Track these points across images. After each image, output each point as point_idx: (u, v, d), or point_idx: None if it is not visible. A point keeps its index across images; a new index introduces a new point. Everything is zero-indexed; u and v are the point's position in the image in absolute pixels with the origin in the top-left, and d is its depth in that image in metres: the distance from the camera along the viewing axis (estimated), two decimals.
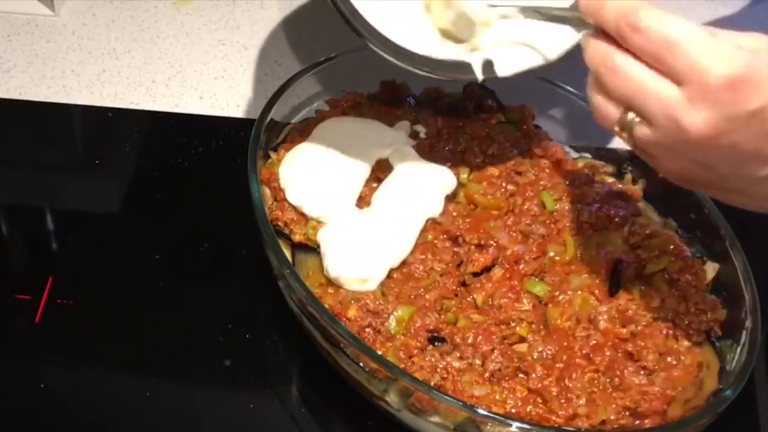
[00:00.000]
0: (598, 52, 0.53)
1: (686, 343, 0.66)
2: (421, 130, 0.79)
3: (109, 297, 0.76)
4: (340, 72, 0.80)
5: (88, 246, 0.81)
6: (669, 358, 0.65)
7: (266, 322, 0.75)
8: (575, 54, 0.96)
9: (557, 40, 0.68)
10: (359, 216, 0.72)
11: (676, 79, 0.50)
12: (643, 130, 0.53)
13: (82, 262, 0.79)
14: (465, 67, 0.67)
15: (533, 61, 0.68)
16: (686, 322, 0.67)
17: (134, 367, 0.72)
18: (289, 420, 0.71)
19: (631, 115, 0.53)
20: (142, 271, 0.78)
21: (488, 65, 0.68)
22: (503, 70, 0.67)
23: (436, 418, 0.62)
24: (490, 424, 0.59)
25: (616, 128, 0.55)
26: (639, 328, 0.66)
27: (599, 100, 0.55)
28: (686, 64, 0.50)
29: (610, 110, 0.54)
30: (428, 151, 0.76)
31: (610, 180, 0.78)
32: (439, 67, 0.67)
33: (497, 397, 0.62)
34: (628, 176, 0.78)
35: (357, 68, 0.80)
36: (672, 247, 0.70)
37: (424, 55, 0.66)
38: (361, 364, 0.63)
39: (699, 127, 0.50)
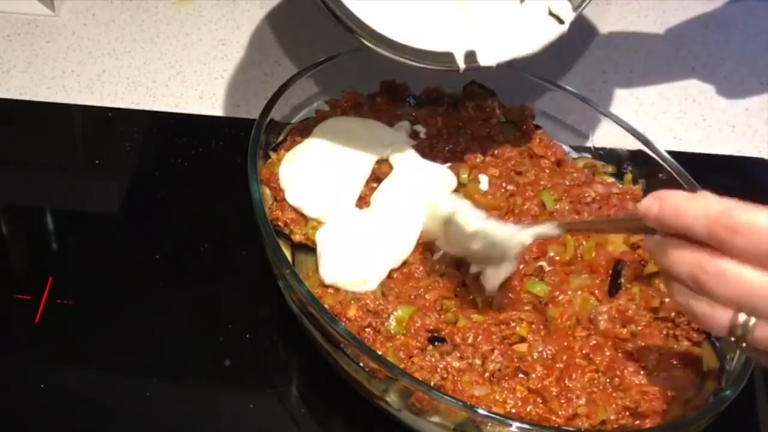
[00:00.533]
0: (690, 260, 0.50)
1: (686, 343, 0.66)
2: (421, 130, 0.79)
3: (109, 297, 0.76)
4: (340, 72, 0.80)
5: (88, 246, 0.81)
6: (669, 358, 0.65)
7: (266, 322, 0.75)
8: (574, 53, 0.97)
9: (540, 32, 0.68)
10: (359, 216, 0.72)
11: None
12: (762, 330, 0.49)
13: (82, 262, 0.79)
14: (447, 56, 0.68)
15: (515, 51, 0.68)
16: (686, 322, 0.66)
17: (134, 367, 0.72)
18: (289, 420, 0.71)
19: (743, 317, 0.49)
20: (142, 271, 0.78)
21: (470, 55, 0.69)
22: (485, 59, 0.68)
23: (436, 418, 0.62)
24: (490, 424, 0.59)
25: (728, 334, 0.50)
26: (639, 328, 0.66)
27: (704, 308, 0.50)
28: None
29: (718, 316, 0.50)
30: (428, 151, 0.76)
31: (610, 180, 0.78)
32: (421, 55, 0.68)
33: (497, 397, 0.62)
34: (628, 176, 0.78)
35: (357, 68, 0.80)
36: None
37: (406, 43, 0.67)
38: (361, 364, 0.63)
39: None
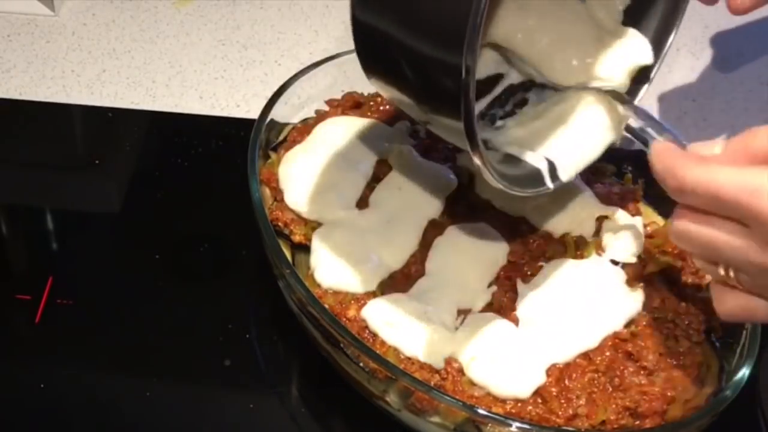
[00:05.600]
0: (678, 227, 0.51)
1: (686, 343, 0.66)
2: (421, 130, 0.79)
3: (109, 297, 0.76)
4: (340, 72, 0.80)
5: (88, 246, 0.81)
6: (669, 358, 0.65)
7: (266, 322, 0.75)
8: None
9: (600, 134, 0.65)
10: (359, 217, 0.72)
11: (742, 222, 0.47)
12: (741, 277, 0.50)
13: (82, 262, 0.79)
14: (537, 178, 0.61)
15: (586, 159, 0.64)
16: (686, 322, 0.66)
17: (134, 367, 0.72)
18: (289, 420, 0.71)
19: (722, 270, 0.50)
20: (142, 271, 0.78)
21: (552, 170, 0.62)
22: (564, 174, 0.62)
23: (436, 418, 0.62)
24: (490, 424, 0.59)
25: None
26: (639, 328, 0.66)
27: (699, 263, 0.53)
28: (743, 214, 0.47)
29: (709, 268, 0.52)
30: (428, 151, 0.76)
31: (610, 180, 0.78)
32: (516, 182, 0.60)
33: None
34: (628, 176, 0.78)
35: (357, 68, 0.80)
36: (672, 247, 0.70)
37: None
38: (361, 364, 0.63)
39: None
